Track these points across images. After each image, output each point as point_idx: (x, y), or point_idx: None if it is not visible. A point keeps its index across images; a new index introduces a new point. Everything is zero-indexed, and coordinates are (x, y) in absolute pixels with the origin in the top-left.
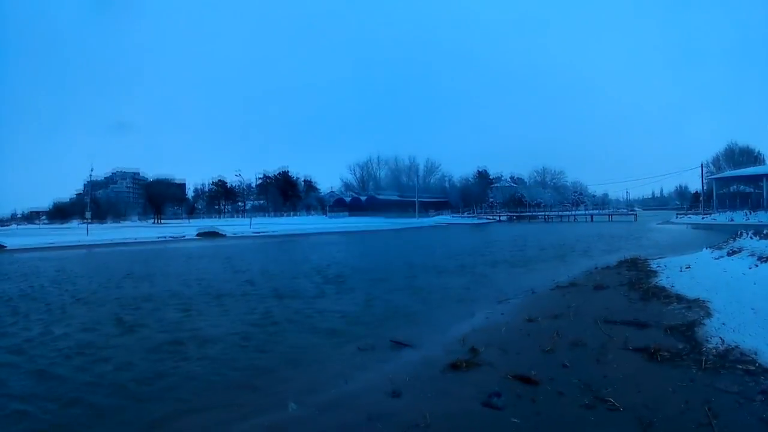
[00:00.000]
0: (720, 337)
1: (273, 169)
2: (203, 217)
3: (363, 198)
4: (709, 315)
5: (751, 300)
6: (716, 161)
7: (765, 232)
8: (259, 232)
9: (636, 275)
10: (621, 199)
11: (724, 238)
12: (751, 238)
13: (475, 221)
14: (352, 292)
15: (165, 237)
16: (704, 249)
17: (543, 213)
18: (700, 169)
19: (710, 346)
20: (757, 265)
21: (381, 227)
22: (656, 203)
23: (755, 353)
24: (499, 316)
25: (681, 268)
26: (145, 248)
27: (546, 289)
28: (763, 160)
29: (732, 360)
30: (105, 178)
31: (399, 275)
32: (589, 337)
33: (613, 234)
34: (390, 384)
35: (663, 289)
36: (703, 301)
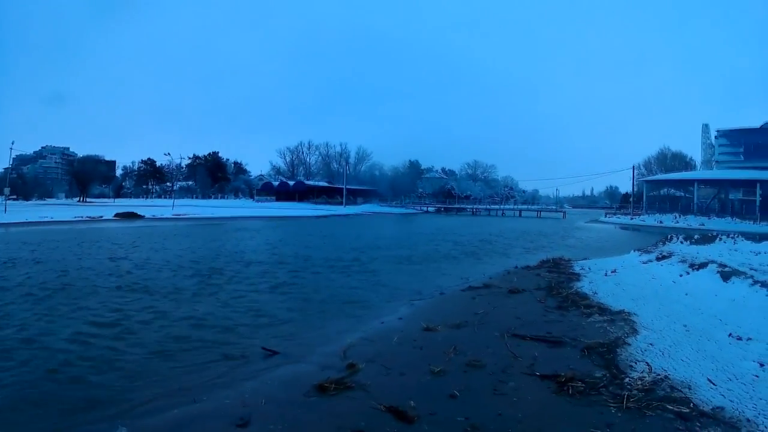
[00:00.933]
0: (647, 363)
1: (204, 151)
2: (131, 197)
3: (291, 183)
4: (634, 332)
5: (682, 314)
6: (648, 164)
7: (696, 237)
8: (179, 215)
9: (556, 278)
10: (551, 196)
11: (653, 240)
12: (681, 242)
13: (402, 211)
14: (221, 291)
15: (82, 217)
16: (632, 252)
17: (471, 206)
18: (631, 171)
19: (634, 375)
20: (688, 273)
21: (305, 214)
22: (586, 202)
23: (689, 387)
24: (396, 321)
25: (606, 272)
26: (54, 228)
27: (456, 291)
28: (695, 166)
29: (660, 397)
30: (34, 153)
31: (303, 269)
32: (490, 356)
33: (539, 231)
34: (241, 408)
35: (584, 296)
36: (629, 313)
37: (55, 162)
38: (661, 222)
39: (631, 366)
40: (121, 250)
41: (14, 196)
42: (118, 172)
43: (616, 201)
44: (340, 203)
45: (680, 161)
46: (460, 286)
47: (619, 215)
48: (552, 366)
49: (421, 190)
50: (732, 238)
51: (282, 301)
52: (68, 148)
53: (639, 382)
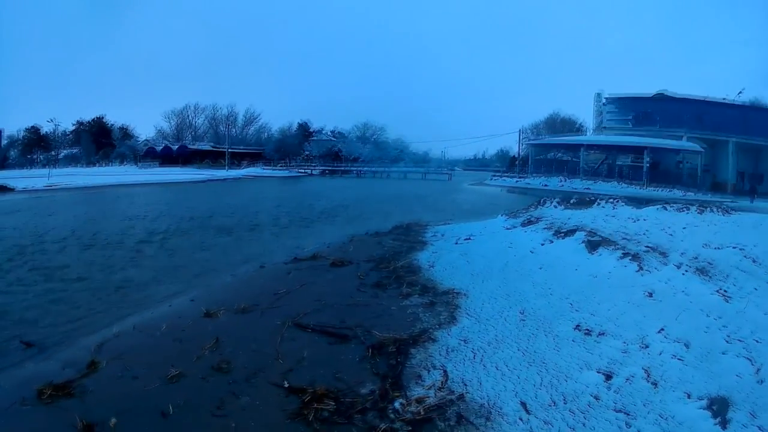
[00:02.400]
0: (444, 371)
1: (92, 115)
2: (15, 168)
3: (174, 147)
4: (452, 321)
5: (525, 295)
6: (537, 128)
7: (573, 200)
8: (52, 186)
9: (398, 246)
10: (443, 158)
11: (531, 203)
12: (555, 206)
13: (286, 174)
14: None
15: None
16: (500, 216)
17: (356, 168)
18: (518, 133)
19: (417, 392)
20: (552, 242)
21: (183, 179)
22: (478, 164)
23: (487, 417)
24: (185, 304)
25: (458, 239)
26: None
27: (279, 263)
28: (586, 133)
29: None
30: None
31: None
32: (247, 355)
33: (417, 194)
34: None
35: (414, 270)
36: (458, 293)
37: None
38: (546, 185)
39: (420, 376)
40: None
41: None
42: (5, 142)
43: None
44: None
45: (570, 126)
46: (288, 257)
47: (505, 178)
48: (316, 372)
49: (308, 152)
50: (612, 202)
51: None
52: None
53: (415, 406)
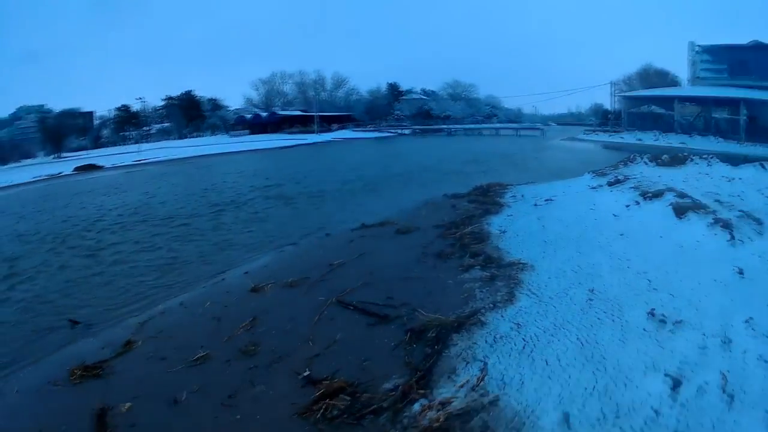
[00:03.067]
0: (484, 366)
1: (180, 91)
2: (109, 146)
3: (264, 115)
4: (509, 300)
5: (599, 269)
6: (629, 81)
7: (665, 158)
8: (140, 161)
9: (472, 210)
10: (536, 114)
11: (621, 159)
12: (646, 163)
13: (376, 135)
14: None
15: (40, 176)
16: (586, 174)
17: (447, 126)
18: (609, 86)
19: (444, 392)
20: (637, 204)
21: (271, 146)
22: (573, 119)
23: (519, 428)
24: (238, 277)
25: (537, 201)
26: None
27: (346, 230)
28: (681, 85)
29: None
30: (9, 115)
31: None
32: (281, 336)
33: (506, 151)
34: None
35: (482, 238)
36: (524, 265)
37: (32, 122)
38: (640, 140)
39: (455, 370)
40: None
41: None
42: (96, 122)
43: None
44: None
45: (664, 79)
46: (355, 224)
47: (598, 133)
48: (344, 358)
49: (398, 112)
50: (706, 159)
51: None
52: (44, 106)
53: (435, 411)
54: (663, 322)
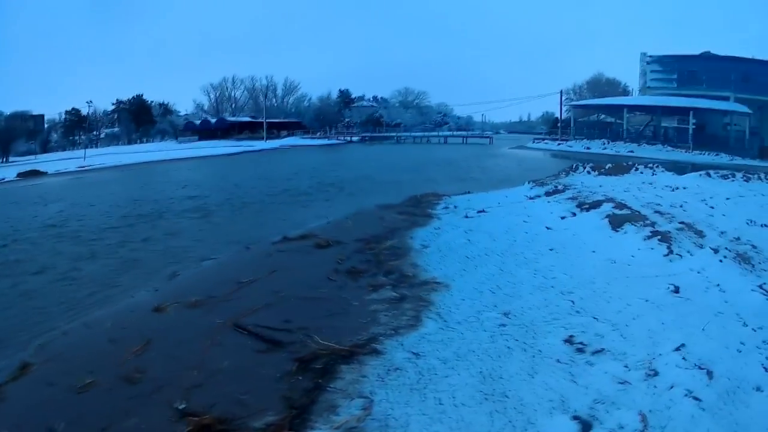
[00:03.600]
0: (370, 401)
1: (131, 94)
2: (59, 151)
3: (213, 121)
4: (414, 324)
5: (520, 288)
6: (579, 90)
7: (608, 166)
8: (85, 167)
9: (400, 222)
10: (487, 122)
11: (564, 168)
12: (588, 172)
13: (324, 143)
14: None
15: None
16: (526, 183)
17: (396, 134)
18: (559, 95)
19: None
20: (573, 215)
21: (217, 152)
22: (524, 128)
23: None
24: (148, 295)
25: (469, 213)
26: None
27: (267, 243)
28: (631, 95)
29: None
30: None
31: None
32: (169, 362)
33: (452, 159)
34: None
35: (402, 253)
36: (438, 284)
37: None
38: (588, 148)
39: (336, 408)
40: None
41: None
42: (46, 126)
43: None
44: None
45: (615, 88)
46: (278, 236)
47: (547, 141)
48: (224, 389)
49: (348, 119)
50: (651, 168)
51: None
52: None
53: None
54: (581, 350)
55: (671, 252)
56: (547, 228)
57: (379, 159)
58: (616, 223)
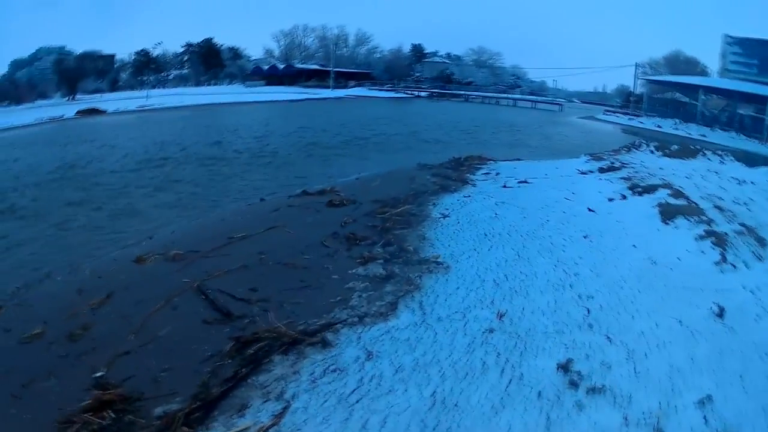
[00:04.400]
0: (285, 407)
1: (200, 38)
2: (126, 90)
3: (281, 67)
4: (388, 312)
5: (532, 280)
6: (655, 65)
7: (674, 147)
8: (145, 107)
9: (431, 185)
10: (560, 89)
11: (634, 141)
12: (651, 151)
13: (391, 95)
14: None
15: (42, 119)
16: (582, 156)
17: (464, 92)
18: (634, 67)
19: None
20: (623, 198)
21: (281, 98)
22: (597, 98)
23: None
24: (140, 244)
25: (508, 182)
26: None
27: (283, 196)
28: (709, 75)
29: None
30: (29, 56)
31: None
32: (115, 322)
33: (515, 122)
34: None
35: (415, 222)
36: (438, 264)
37: (50, 63)
38: (659, 126)
39: (244, 408)
40: None
41: (5, 102)
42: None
43: None
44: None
45: (693, 67)
46: (302, 189)
47: (618, 114)
48: (148, 362)
49: (418, 74)
50: (720, 155)
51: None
52: (64, 47)
53: None
54: (574, 384)
55: (724, 260)
56: (589, 210)
57: (441, 116)
58: (667, 214)
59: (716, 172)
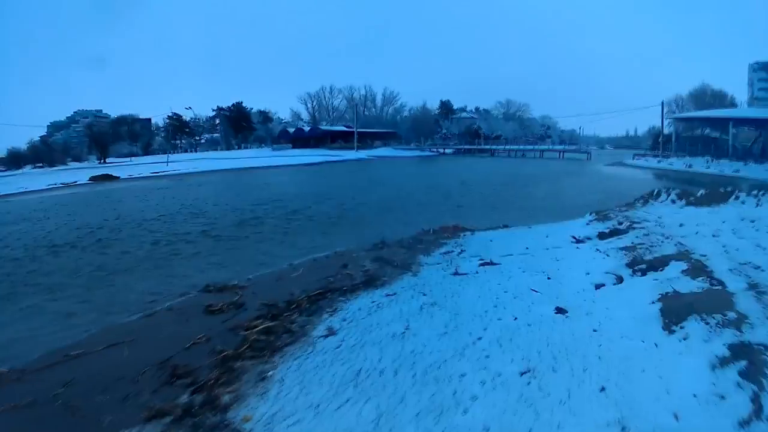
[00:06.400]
0: None
1: (230, 102)
2: (158, 154)
3: (307, 129)
4: None
5: None
6: (681, 101)
7: (700, 193)
8: (158, 173)
9: (355, 275)
10: (592, 136)
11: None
12: (673, 201)
13: (417, 154)
14: None
15: (56, 184)
16: (587, 215)
17: (491, 147)
18: (660, 107)
19: None
20: (619, 280)
21: (296, 162)
22: (629, 142)
23: None
24: None
25: (459, 269)
26: None
27: (190, 295)
28: (738, 106)
29: None
30: (67, 118)
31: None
32: None
33: (532, 177)
34: None
35: (272, 344)
36: None
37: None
38: (690, 166)
39: None
40: None
41: (40, 164)
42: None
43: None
44: (358, 147)
45: (721, 100)
46: (205, 284)
47: (648, 158)
48: None
49: (445, 130)
50: (756, 195)
51: None
52: (101, 111)
53: None
54: None
55: (761, 407)
56: (557, 311)
57: (454, 175)
58: (674, 312)
59: (752, 221)
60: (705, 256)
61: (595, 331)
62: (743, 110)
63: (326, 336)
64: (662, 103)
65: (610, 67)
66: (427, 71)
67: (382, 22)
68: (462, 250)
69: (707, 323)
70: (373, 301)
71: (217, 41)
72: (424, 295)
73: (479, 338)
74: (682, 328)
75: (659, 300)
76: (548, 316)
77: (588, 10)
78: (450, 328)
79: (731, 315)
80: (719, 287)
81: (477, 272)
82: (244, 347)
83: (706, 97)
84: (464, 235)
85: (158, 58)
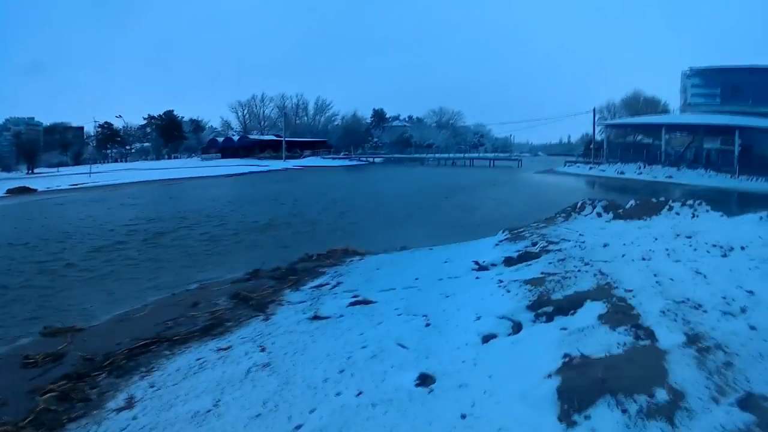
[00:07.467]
0: None
1: (164, 109)
2: (89, 164)
3: (236, 139)
4: None
5: None
6: (614, 108)
7: (628, 205)
8: (77, 185)
9: (201, 318)
10: (525, 144)
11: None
12: (599, 213)
13: (345, 163)
14: None
15: None
16: (499, 233)
17: (421, 156)
18: (592, 113)
19: None
20: (516, 329)
21: (226, 172)
22: (563, 150)
23: None
24: None
25: (319, 311)
26: None
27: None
28: (671, 113)
29: None
30: None
31: None
32: None
33: (457, 186)
34: None
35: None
36: None
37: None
38: (622, 173)
39: None
40: None
41: None
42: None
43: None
44: (291, 156)
45: (653, 107)
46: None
47: (579, 165)
48: None
49: (377, 139)
50: (691, 206)
51: None
52: (33, 118)
53: None
54: None
55: None
56: (420, 381)
57: (374, 185)
58: (577, 394)
59: (688, 237)
60: (631, 291)
61: (463, 417)
62: (676, 116)
63: (120, 410)
64: (594, 109)
65: (545, 75)
66: (362, 80)
67: (318, 30)
68: (338, 283)
69: (624, 410)
70: (198, 359)
71: (152, 48)
72: (262, 350)
73: (298, 427)
74: (587, 418)
75: (561, 369)
76: (406, 389)
77: (523, 18)
78: (268, 408)
79: (661, 395)
80: (647, 342)
81: (342, 315)
82: (28, 420)
83: (638, 103)
84: (351, 261)
85: (93, 64)
